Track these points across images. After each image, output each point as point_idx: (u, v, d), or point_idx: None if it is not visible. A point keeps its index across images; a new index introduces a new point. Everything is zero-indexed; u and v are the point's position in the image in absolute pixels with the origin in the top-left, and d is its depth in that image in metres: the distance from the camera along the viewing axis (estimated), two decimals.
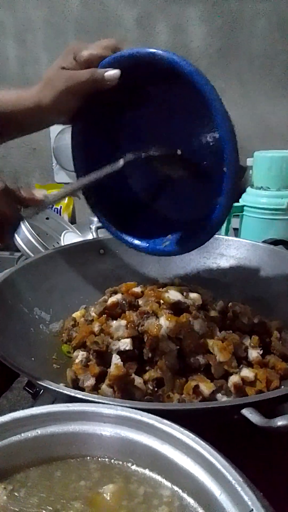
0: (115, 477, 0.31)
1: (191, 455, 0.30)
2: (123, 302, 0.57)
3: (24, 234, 0.96)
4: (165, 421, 0.31)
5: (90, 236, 0.83)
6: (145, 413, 0.32)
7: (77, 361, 0.53)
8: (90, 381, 0.51)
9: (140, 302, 0.57)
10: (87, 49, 0.49)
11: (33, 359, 0.53)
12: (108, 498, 0.29)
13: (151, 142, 0.53)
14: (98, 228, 0.82)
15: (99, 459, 0.33)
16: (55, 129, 1.64)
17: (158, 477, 0.31)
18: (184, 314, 0.52)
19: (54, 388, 0.40)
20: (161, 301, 0.55)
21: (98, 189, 0.56)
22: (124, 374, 0.48)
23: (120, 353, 0.50)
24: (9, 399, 0.72)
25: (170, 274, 0.73)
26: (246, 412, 0.34)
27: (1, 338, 0.49)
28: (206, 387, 0.47)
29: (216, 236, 0.76)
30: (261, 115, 1.46)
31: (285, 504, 0.37)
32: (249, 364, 0.51)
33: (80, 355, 0.54)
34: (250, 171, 1.22)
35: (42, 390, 0.60)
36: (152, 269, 0.75)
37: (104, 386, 0.49)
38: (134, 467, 0.32)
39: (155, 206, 0.61)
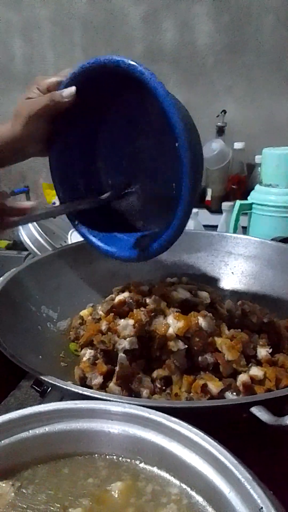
0: (123, 474, 0.31)
1: (199, 453, 0.29)
2: (130, 300, 0.57)
3: (32, 233, 0.97)
4: (173, 418, 0.31)
5: None
6: (153, 411, 0.32)
7: (84, 359, 0.53)
8: (98, 379, 0.50)
9: (148, 300, 0.57)
10: (48, 78, 0.53)
11: (40, 357, 0.53)
12: (116, 496, 0.29)
13: (123, 157, 0.58)
14: None
15: (107, 456, 0.32)
16: None
17: (166, 475, 0.31)
18: (192, 312, 0.52)
19: (62, 386, 0.40)
20: (169, 300, 0.55)
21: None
22: (130, 373, 0.47)
23: (127, 352, 0.50)
24: (17, 397, 0.72)
25: (177, 272, 0.73)
26: (255, 410, 0.34)
27: (9, 336, 0.49)
28: (214, 386, 0.46)
29: (224, 234, 0.76)
30: (269, 111, 1.45)
31: None
32: (258, 363, 0.51)
33: (87, 353, 0.54)
34: (259, 168, 1.21)
35: (49, 388, 0.60)
36: (159, 267, 0.75)
37: (111, 384, 0.49)
38: (142, 464, 0.32)
39: (121, 211, 0.63)
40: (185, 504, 0.29)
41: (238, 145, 1.37)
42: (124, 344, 0.50)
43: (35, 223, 0.98)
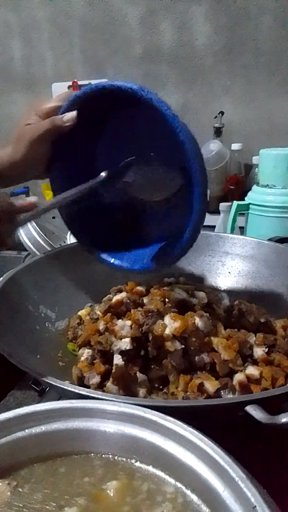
0: (119, 473, 0.31)
1: (194, 452, 0.30)
2: (128, 300, 0.57)
3: (31, 233, 0.97)
4: (169, 417, 0.31)
5: None
6: (149, 410, 0.32)
7: (82, 358, 0.54)
8: (96, 379, 0.51)
9: (145, 300, 0.57)
10: (45, 103, 0.54)
11: (38, 356, 0.53)
12: (112, 495, 0.29)
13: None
14: None
15: (103, 455, 0.33)
16: None
17: (162, 474, 0.31)
18: (189, 312, 0.52)
19: (59, 385, 0.40)
20: (166, 300, 0.55)
21: (76, 210, 0.59)
22: (125, 374, 0.48)
23: (122, 353, 0.50)
24: (16, 397, 0.72)
25: (175, 272, 0.73)
26: (250, 409, 0.34)
27: (7, 335, 0.49)
28: (210, 385, 0.46)
29: (221, 234, 0.76)
30: (267, 112, 1.45)
31: None
32: (254, 362, 0.51)
33: (85, 353, 0.54)
34: (256, 169, 1.22)
35: (48, 388, 0.60)
36: None
37: (109, 384, 0.49)
38: (137, 463, 0.32)
39: (131, 225, 0.63)
40: (180, 503, 0.29)
41: (235, 146, 1.38)
42: (120, 345, 0.50)
43: (34, 223, 0.98)
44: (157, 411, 0.32)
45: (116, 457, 0.32)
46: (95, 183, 0.55)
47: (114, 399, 0.35)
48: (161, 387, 0.50)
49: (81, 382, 0.51)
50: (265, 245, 0.71)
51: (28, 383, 0.66)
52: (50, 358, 0.56)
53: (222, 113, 1.42)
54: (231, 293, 0.67)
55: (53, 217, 1.22)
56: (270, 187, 0.90)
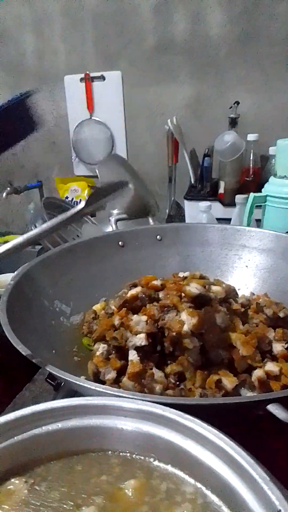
0: (137, 472, 0.31)
1: (215, 451, 0.29)
2: (143, 295, 0.56)
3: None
4: (188, 416, 0.30)
5: (109, 229, 0.82)
6: (167, 408, 0.31)
7: (98, 353, 0.53)
8: (111, 374, 0.50)
9: (161, 295, 0.56)
10: None
11: (54, 351, 0.53)
12: (130, 494, 0.29)
13: None
14: (117, 220, 0.82)
15: (120, 453, 0.32)
16: (74, 121, 1.65)
17: (181, 473, 0.30)
18: (206, 307, 0.51)
19: (74, 382, 0.39)
20: (182, 294, 0.54)
21: None
22: (141, 370, 0.47)
23: (138, 348, 0.49)
24: (32, 391, 0.73)
25: (190, 266, 0.72)
26: (272, 408, 0.33)
27: (22, 331, 0.49)
28: (228, 382, 0.45)
29: (238, 227, 0.75)
30: (283, 102, 1.42)
31: None
32: (274, 358, 0.50)
33: (101, 347, 0.54)
34: (273, 160, 1.19)
35: (63, 382, 0.60)
36: (172, 261, 0.74)
37: (125, 379, 0.49)
38: (156, 462, 0.31)
39: None
40: (200, 504, 0.28)
41: (251, 137, 1.35)
42: (135, 341, 0.49)
43: (46, 217, 0.98)
44: (175, 408, 0.31)
45: (133, 456, 0.32)
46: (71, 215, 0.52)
47: (131, 396, 0.34)
48: (177, 382, 0.49)
49: (97, 378, 0.51)
50: (283, 238, 0.69)
51: (44, 378, 0.66)
52: (65, 353, 0.56)
53: (237, 103, 1.39)
54: (248, 287, 0.66)
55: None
56: None
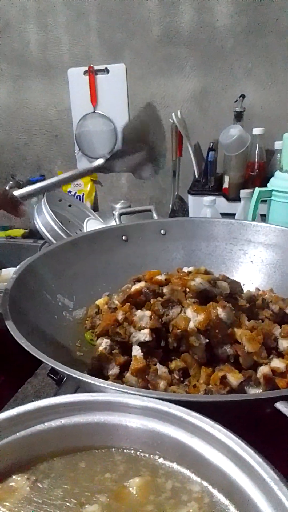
0: (142, 470, 0.30)
1: (222, 450, 0.28)
2: (147, 290, 0.55)
3: (47, 222, 0.96)
4: (194, 413, 0.30)
5: (112, 223, 0.81)
6: (173, 405, 0.30)
7: (100, 348, 0.52)
8: (115, 370, 0.50)
9: (165, 290, 0.55)
10: None
11: (56, 346, 0.53)
12: (135, 492, 0.28)
13: None
14: (121, 214, 0.81)
15: (125, 451, 0.31)
16: (77, 115, 1.63)
17: (187, 472, 0.30)
18: (211, 303, 0.50)
19: (77, 377, 0.39)
20: (187, 290, 0.53)
21: None
22: (144, 366, 0.46)
23: (141, 344, 0.49)
24: (34, 385, 0.72)
25: (195, 261, 0.71)
26: (280, 405, 0.32)
27: (25, 325, 0.48)
28: (234, 378, 0.45)
29: (243, 222, 0.74)
30: None
31: None
32: (280, 355, 0.49)
33: (104, 342, 0.53)
34: (279, 154, 1.18)
35: (66, 377, 0.60)
36: (176, 256, 0.73)
37: (128, 375, 0.48)
38: (161, 460, 0.31)
39: None
40: (207, 503, 0.27)
41: (257, 131, 1.33)
42: (139, 336, 0.48)
43: (50, 211, 0.97)
44: (182, 405, 0.30)
45: (138, 453, 0.31)
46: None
47: (135, 392, 0.34)
48: (182, 379, 0.49)
49: (100, 373, 0.50)
50: None
51: (46, 372, 0.65)
52: (68, 347, 0.55)
53: (243, 96, 1.37)
54: (253, 282, 0.65)
55: (69, 205, 1.20)
56: None
